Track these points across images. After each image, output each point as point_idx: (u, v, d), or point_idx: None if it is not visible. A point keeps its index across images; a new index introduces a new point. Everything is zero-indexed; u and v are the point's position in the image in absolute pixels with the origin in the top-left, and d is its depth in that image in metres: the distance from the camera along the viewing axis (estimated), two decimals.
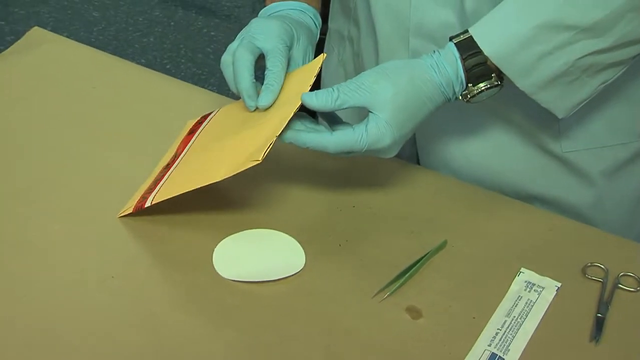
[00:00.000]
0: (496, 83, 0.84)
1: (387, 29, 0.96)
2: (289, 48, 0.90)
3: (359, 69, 1.05)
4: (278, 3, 0.98)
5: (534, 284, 0.87)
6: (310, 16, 0.98)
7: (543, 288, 0.87)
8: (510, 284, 0.87)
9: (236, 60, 0.88)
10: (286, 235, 0.91)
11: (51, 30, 1.21)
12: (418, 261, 0.89)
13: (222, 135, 0.92)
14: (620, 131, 0.97)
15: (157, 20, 2.78)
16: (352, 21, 1.04)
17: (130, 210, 0.91)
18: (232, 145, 0.88)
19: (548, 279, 0.87)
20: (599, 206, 1.00)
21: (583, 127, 0.94)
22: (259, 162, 0.81)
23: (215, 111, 0.99)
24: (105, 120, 1.05)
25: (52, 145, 1.01)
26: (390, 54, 0.97)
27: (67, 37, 1.19)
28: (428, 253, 0.90)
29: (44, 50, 1.16)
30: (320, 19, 0.99)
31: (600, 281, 0.87)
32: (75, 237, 0.89)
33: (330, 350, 0.79)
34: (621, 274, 0.88)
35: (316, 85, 0.96)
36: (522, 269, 0.89)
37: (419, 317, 0.83)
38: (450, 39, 0.85)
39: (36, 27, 1.20)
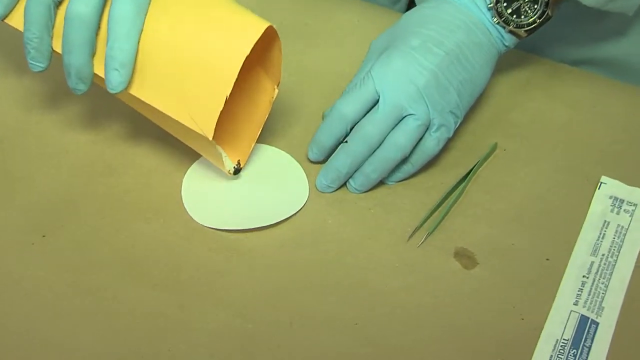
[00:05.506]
0: None
1: None
2: None
3: None
4: None
5: (622, 201, 0.64)
6: None
7: (636, 205, 0.64)
8: (590, 202, 0.64)
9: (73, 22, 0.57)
10: (282, 152, 0.66)
11: None
12: (463, 179, 0.65)
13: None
14: None
15: None
16: None
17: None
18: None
19: None
20: None
21: None
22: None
23: None
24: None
25: None
26: None
27: None
28: (476, 164, 0.66)
29: None
30: None
31: None
32: None
33: (359, 325, 0.57)
34: None
35: None
36: (603, 178, 0.65)
37: (474, 265, 0.60)
38: None
39: None
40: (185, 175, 0.64)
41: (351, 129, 0.62)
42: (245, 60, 0.56)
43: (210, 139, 0.57)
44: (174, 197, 0.63)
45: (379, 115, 0.60)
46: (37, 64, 0.60)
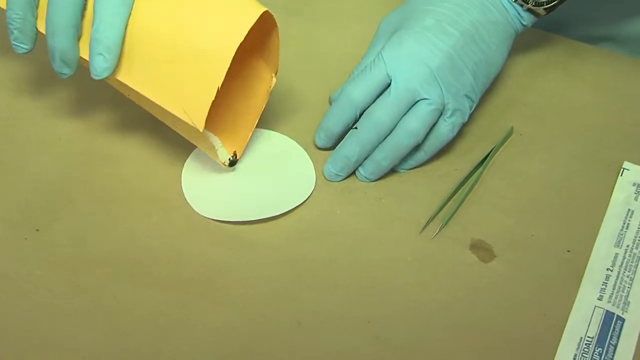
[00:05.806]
0: None
1: None
2: None
3: None
4: None
5: None
6: None
7: None
8: (612, 189, 0.61)
9: None
10: (287, 139, 0.63)
11: None
12: (479, 165, 0.62)
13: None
14: None
15: None
16: None
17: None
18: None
19: None
20: None
21: None
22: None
23: None
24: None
25: None
26: None
27: None
28: (492, 150, 0.62)
29: None
30: None
31: None
32: None
33: (370, 323, 0.54)
34: None
35: None
36: (626, 164, 0.62)
37: (491, 257, 0.57)
38: None
39: None
40: (185, 164, 0.61)
41: (361, 114, 0.59)
42: (240, 48, 0.53)
43: (201, 130, 0.54)
44: (173, 187, 0.60)
45: (391, 100, 0.57)
46: (21, 45, 0.57)
